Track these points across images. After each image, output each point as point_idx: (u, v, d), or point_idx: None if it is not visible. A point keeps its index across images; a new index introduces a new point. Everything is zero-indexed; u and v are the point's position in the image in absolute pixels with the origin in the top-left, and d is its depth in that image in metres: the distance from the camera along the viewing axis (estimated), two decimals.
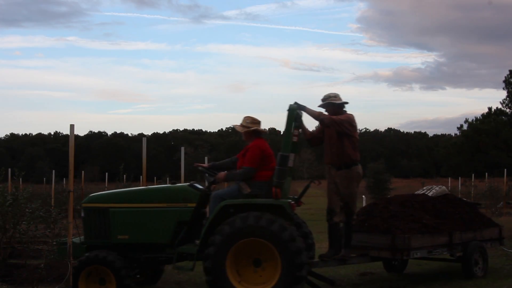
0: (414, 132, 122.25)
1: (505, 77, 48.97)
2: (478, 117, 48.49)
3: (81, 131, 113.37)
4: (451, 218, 7.35)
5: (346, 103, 6.68)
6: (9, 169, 15.99)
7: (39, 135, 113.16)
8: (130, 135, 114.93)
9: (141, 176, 10.15)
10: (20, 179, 10.21)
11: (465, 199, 8.28)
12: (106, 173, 23.50)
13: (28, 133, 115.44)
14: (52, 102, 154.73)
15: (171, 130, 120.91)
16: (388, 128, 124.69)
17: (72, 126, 6.51)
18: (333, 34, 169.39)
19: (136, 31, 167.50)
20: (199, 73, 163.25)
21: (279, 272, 5.61)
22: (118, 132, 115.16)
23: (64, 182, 26.68)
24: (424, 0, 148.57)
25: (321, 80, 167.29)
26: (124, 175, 17.10)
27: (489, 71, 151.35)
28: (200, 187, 6.59)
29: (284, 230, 5.65)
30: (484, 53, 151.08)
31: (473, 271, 7.13)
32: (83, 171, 25.22)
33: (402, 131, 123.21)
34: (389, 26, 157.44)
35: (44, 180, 32.99)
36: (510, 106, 48.28)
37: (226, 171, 6.45)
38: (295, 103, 6.34)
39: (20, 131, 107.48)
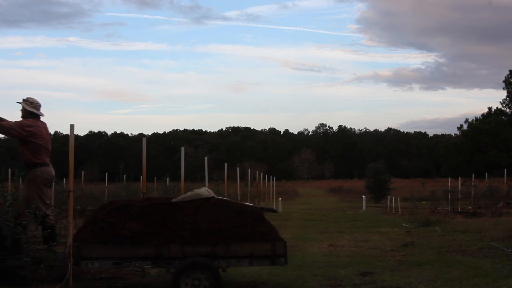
0: (414, 132, 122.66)
1: (505, 77, 49.11)
2: (478, 117, 48.64)
3: (81, 131, 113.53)
4: (174, 227, 6.32)
5: (41, 114, 7.17)
6: (9, 169, 15.97)
7: None
8: (130, 135, 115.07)
9: (141, 176, 10.14)
10: (20, 179, 10.21)
11: (247, 204, 7.02)
12: (106, 173, 23.50)
13: None
14: (53, 102, 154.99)
15: (171, 130, 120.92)
16: (388, 128, 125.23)
17: (72, 126, 6.51)
18: (333, 34, 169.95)
19: (137, 32, 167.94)
20: (199, 73, 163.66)
21: None
22: (118, 132, 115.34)
23: (64, 182, 26.63)
24: (424, 0, 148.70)
25: (321, 81, 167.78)
26: (124, 175, 17.11)
27: (489, 71, 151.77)
28: None
29: None
30: (484, 53, 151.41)
31: None
32: (83, 171, 25.23)
33: (402, 131, 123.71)
34: (389, 27, 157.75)
35: None
36: (510, 106, 48.37)
37: None
38: None
39: None
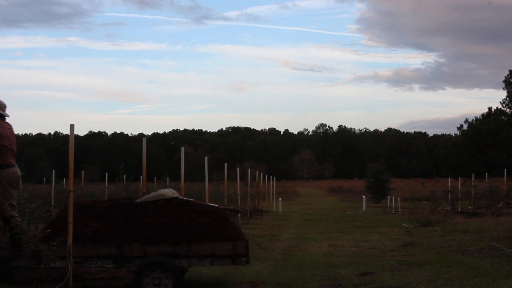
0: (414, 132, 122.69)
1: (505, 77, 49.03)
2: (478, 117, 48.57)
3: (81, 131, 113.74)
4: (136, 227, 6.35)
5: (7, 115, 7.16)
6: None
7: (39, 135, 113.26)
8: (130, 135, 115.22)
9: (141, 176, 10.15)
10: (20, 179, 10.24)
11: (210, 204, 7.07)
12: (106, 173, 23.47)
13: (28, 133, 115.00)
14: (53, 102, 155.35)
15: (171, 130, 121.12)
16: (388, 128, 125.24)
17: (72, 126, 6.50)
18: (333, 34, 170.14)
19: (137, 32, 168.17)
20: (199, 73, 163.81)
21: None
22: (118, 132, 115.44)
23: (64, 182, 26.67)
24: (424, 0, 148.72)
25: (321, 81, 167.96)
26: (124, 175, 17.11)
27: (489, 71, 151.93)
28: None
29: None
30: (484, 53, 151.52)
31: None
32: (83, 171, 25.19)
33: (402, 131, 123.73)
34: (389, 27, 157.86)
35: (44, 180, 32.95)
36: (510, 106, 48.33)
37: None
38: None
39: (20, 131, 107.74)
